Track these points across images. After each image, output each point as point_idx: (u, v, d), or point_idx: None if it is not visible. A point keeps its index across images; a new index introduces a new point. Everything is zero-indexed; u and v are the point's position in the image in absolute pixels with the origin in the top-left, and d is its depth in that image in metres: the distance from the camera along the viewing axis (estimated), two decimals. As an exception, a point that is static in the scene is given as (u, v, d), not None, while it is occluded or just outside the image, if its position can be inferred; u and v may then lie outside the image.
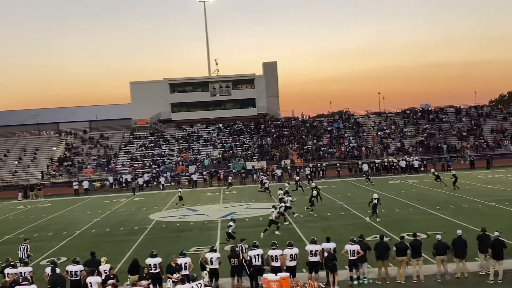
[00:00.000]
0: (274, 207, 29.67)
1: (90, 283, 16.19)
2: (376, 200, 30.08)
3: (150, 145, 75.76)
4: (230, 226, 25.65)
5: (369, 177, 49.92)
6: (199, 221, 33.90)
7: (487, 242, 18.15)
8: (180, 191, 42.77)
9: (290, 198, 33.35)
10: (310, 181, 49.17)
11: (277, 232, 27.15)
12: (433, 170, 47.30)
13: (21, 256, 21.89)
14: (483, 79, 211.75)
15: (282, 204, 31.68)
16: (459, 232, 18.86)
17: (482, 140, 72.89)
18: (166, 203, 43.95)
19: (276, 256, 17.84)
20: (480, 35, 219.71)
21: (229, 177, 54.31)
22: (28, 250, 22.76)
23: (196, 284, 15.23)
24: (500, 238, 18.00)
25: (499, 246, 17.74)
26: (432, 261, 18.97)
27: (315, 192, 35.86)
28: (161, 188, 56.22)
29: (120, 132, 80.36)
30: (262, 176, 52.81)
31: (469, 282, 17.75)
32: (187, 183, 57.84)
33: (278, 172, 58.51)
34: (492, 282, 17.45)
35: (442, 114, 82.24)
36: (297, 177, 50.78)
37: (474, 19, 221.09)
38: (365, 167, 57.76)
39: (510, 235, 19.89)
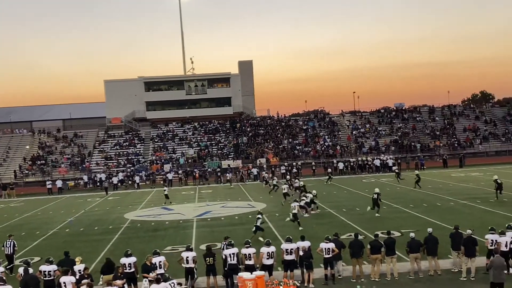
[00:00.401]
0: (295, 201, 30.63)
1: (64, 283, 16.02)
2: (376, 195, 30.81)
3: (124, 144, 75.20)
4: (259, 218, 25.77)
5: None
6: (175, 220, 33.76)
7: (460, 239, 18.41)
8: (165, 190, 42.86)
9: (311, 194, 34.03)
10: (295, 179, 49.35)
11: (300, 228, 27.42)
12: (395, 168, 47.96)
13: (7, 252, 22.09)
14: (456, 78, 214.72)
15: (304, 198, 32.49)
16: (430, 230, 19.11)
17: (455, 139, 73.92)
18: (141, 202, 43.67)
19: (249, 254, 17.86)
20: (453, 35, 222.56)
21: (227, 174, 54.46)
22: (16, 246, 22.71)
23: (170, 284, 15.22)
24: (472, 235, 18.27)
25: (471, 243, 18.01)
26: (406, 258, 19.18)
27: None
28: (136, 187, 55.86)
29: (94, 131, 79.61)
30: (265, 173, 52.56)
31: (442, 279, 17.99)
32: (162, 182, 57.56)
33: (254, 171, 58.58)
34: (464, 279, 17.71)
35: (416, 113, 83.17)
36: (269, 175, 51.03)
37: (447, 18, 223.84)
38: (340, 165, 58.14)
39: (482, 232, 20.17)
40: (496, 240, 17.88)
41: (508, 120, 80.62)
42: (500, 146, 73.10)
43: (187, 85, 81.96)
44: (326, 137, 75.90)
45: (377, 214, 30.29)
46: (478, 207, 31.68)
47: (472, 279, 17.62)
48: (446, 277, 18.13)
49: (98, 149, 74.16)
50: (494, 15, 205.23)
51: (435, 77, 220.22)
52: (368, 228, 26.46)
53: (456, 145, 72.18)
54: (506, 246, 17.82)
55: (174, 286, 15.62)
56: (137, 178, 57.61)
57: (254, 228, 25.56)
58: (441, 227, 24.55)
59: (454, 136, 75.04)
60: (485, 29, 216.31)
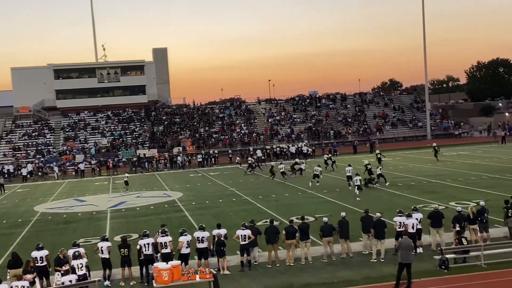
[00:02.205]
0: (318, 165, 38.43)
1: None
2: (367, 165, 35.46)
3: (33, 134, 72.24)
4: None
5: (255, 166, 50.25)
6: (87, 211, 32.90)
7: (370, 222, 19.08)
8: (126, 176, 43.07)
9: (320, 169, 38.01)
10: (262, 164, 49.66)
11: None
12: (326, 156, 48.85)
13: None
14: (367, 67, 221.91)
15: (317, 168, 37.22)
16: (343, 214, 19.67)
17: (366, 126, 76.41)
18: (52, 194, 42.21)
19: (165, 243, 17.71)
20: (364, 25, 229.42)
21: (238, 158, 53.82)
22: None
23: (77, 265, 15.93)
24: (381, 218, 18.98)
25: (380, 226, 18.70)
26: (320, 242, 19.65)
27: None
28: (56, 178, 54.10)
29: (1, 121, 75.93)
30: (250, 159, 51.49)
31: (354, 261, 18.58)
32: (73, 173, 55.85)
33: (179, 159, 57.83)
34: (375, 260, 18.38)
35: (329, 101, 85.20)
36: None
37: (358, 9, 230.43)
38: (259, 153, 58.67)
39: (391, 215, 20.99)
40: (403, 222, 18.66)
41: (415, 107, 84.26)
42: (407, 132, 76.32)
43: (99, 73, 79.73)
44: (243, 125, 76.31)
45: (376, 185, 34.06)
46: (387, 190, 32.93)
47: (382, 260, 18.30)
48: (357, 259, 18.75)
49: (6, 140, 70.86)
50: (403, 7, 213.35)
51: (347, 65, 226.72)
52: (283, 214, 26.89)
53: (367, 131, 74.61)
54: (413, 227, 18.63)
55: (81, 267, 16.07)
56: (56, 169, 55.81)
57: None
58: (353, 211, 25.32)
59: (364, 123, 77.55)
60: (394, 19, 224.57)
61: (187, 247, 17.90)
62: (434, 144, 49.83)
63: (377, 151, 46.88)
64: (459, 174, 38.10)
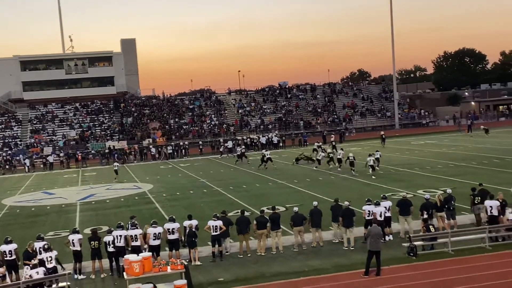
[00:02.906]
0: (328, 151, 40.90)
1: None
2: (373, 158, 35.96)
3: (0, 126, 70.93)
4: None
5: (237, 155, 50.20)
6: (56, 204, 32.53)
7: (339, 211, 19.28)
8: (116, 165, 43.45)
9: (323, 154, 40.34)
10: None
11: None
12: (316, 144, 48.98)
13: None
14: (336, 58, 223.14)
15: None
16: (315, 203, 19.84)
17: (335, 116, 76.96)
18: (20, 187, 41.59)
19: (135, 235, 17.65)
20: (333, 16, 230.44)
21: (238, 148, 50.95)
22: None
23: (47, 258, 15.81)
24: (350, 207, 19.19)
25: (348, 215, 18.91)
26: (290, 232, 19.81)
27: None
28: (27, 171, 53.31)
29: (-34, 113, 74.38)
30: (240, 148, 50.61)
31: (324, 250, 18.78)
32: (42, 165, 55.04)
33: (153, 150, 57.54)
34: (346, 248, 18.61)
35: (299, 92, 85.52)
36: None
37: (329, 0, 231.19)
38: (229, 144, 58.63)
39: (360, 204, 21.21)
40: (372, 211, 18.92)
41: (383, 96, 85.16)
42: (376, 122, 77.13)
43: (66, 64, 78.59)
44: (213, 116, 76.13)
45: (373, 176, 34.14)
46: (357, 180, 33.30)
47: (352, 248, 18.55)
48: (328, 248, 18.95)
49: (-30, 133, 69.49)
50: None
51: (316, 56, 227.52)
52: (254, 204, 26.99)
53: (337, 121, 75.15)
54: (381, 216, 18.91)
55: (51, 260, 16.07)
56: (27, 161, 55.06)
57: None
58: (323, 200, 25.53)
59: (334, 113, 78.10)
60: (362, 10, 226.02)
61: (153, 239, 17.79)
62: (382, 133, 53.99)
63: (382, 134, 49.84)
64: (426, 162, 38.71)
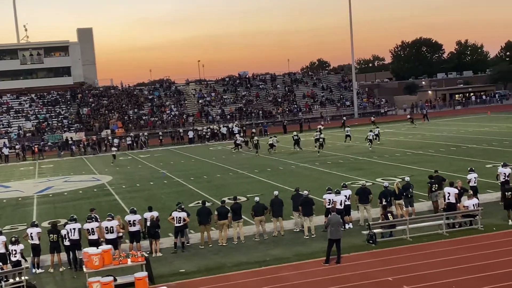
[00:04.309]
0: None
1: None
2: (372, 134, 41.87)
3: (-48, 118, 68.85)
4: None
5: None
6: (13, 197, 31.81)
7: (299, 200, 19.38)
8: (115, 150, 47.76)
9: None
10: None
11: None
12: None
13: None
14: (295, 47, 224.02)
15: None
16: (276, 193, 19.90)
17: (295, 105, 77.30)
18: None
19: (92, 229, 17.37)
20: (292, 5, 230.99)
21: (239, 137, 49.83)
22: None
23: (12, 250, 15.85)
24: (309, 196, 19.30)
25: (307, 203, 19.03)
26: (252, 222, 19.83)
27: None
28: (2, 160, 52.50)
29: None
30: (239, 138, 49.66)
31: (286, 239, 18.87)
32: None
33: (116, 141, 56.50)
34: (306, 237, 18.73)
35: (259, 81, 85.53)
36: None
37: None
38: (190, 134, 58.32)
39: (321, 193, 21.34)
40: (332, 199, 19.08)
41: (342, 86, 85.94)
42: (336, 111, 77.76)
43: (21, 54, 76.60)
44: (172, 106, 75.50)
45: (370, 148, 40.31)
46: (317, 169, 33.55)
47: (313, 236, 18.70)
48: (289, 237, 19.05)
49: None
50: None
51: (276, 46, 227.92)
52: (215, 195, 26.91)
53: (296, 111, 75.47)
54: (341, 204, 19.11)
55: (15, 254, 15.96)
56: (6, 150, 53.98)
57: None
58: (284, 190, 25.61)
59: (294, 103, 78.43)
60: (320, 0, 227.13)
61: (106, 233, 17.47)
62: (373, 118, 52.36)
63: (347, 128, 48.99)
64: (384, 151, 39.26)
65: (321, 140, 41.80)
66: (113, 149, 48.94)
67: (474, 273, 14.30)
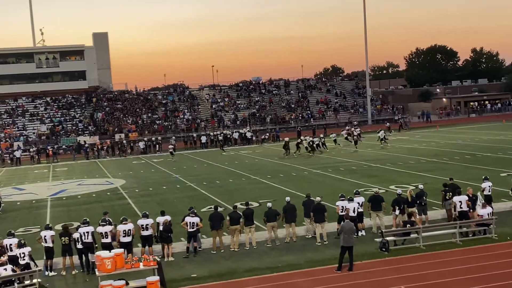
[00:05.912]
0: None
1: None
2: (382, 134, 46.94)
3: (-32, 121, 69.59)
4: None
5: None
6: (27, 200, 32.04)
7: (311, 207, 19.32)
8: (172, 147, 50.39)
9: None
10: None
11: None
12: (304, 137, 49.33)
13: None
14: (309, 53, 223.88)
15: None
16: (288, 198, 19.85)
17: (309, 111, 77.19)
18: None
19: (105, 232, 17.41)
20: (307, 12, 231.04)
21: (264, 135, 59.38)
22: None
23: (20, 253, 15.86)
24: (321, 202, 19.22)
25: (319, 210, 18.96)
26: (264, 227, 19.79)
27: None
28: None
29: None
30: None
31: (298, 245, 18.81)
32: (9, 161, 54.03)
33: (141, 144, 57.47)
34: (319, 244, 18.67)
35: (272, 87, 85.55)
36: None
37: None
38: (203, 139, 58.50)
39: (332, 199, 21.28)
40: (345, 206, 19.00)
41: (356, 92, 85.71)
42: (349, 118, 77.41)
43: (37, 58, 77.31)
44: (186, 111, 75.74)
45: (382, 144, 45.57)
46: (329, 175, 33.46)
47: (325, 243, 18.63)
48: (301, 243, 19.00)
49: None
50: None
51: (290, 51, 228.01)
52: (227, 200, 26.91)
53: (309, 117, 75.32)
54: (354, 211, 19.02)
55: (24, 257, 15.95)
56: (17, 153, 54.40)
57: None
58: (296, 196, 25.54)
59: (307, 109, 78.34)
60: (335, 6, 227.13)
61: (123, 236, 17.54)
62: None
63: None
64: (398, 158, 39.06)
65: (355, 137, 47.90)
66: (170, 146, 51.15)
67: (488, 283, 14.16)
